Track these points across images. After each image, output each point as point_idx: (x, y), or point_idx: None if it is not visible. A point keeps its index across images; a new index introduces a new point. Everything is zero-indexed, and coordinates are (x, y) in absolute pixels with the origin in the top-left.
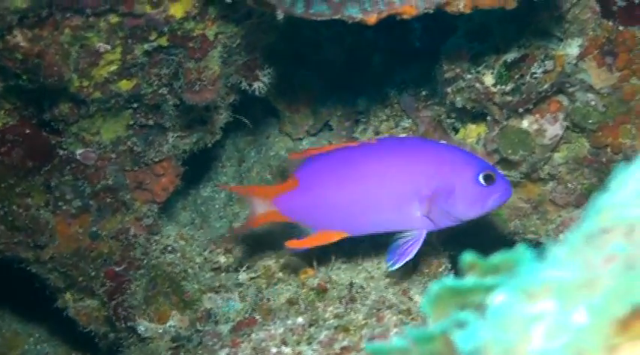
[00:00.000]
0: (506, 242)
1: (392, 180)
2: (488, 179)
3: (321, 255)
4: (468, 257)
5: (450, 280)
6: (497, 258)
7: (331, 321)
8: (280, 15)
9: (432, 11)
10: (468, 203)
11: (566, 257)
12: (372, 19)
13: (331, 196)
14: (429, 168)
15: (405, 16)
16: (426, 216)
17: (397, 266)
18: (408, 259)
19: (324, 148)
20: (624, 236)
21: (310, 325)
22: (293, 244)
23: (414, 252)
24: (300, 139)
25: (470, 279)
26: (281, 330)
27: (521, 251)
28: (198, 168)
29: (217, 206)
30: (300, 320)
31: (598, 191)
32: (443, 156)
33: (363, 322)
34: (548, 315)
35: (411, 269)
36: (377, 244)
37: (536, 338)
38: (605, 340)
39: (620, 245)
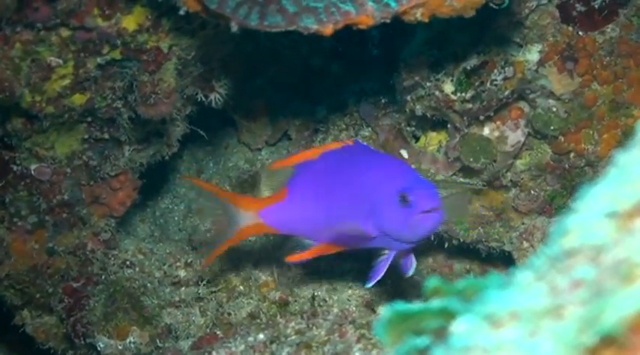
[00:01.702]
0: (470, 250)
1: (350, 196)
2: (405, 200)
3: (282, 267)
4: (432, 282)
5: (401, 304)
6: (462, 283)
7: (293, 337)
8: (235, 27)
9: (388, 21)
10: (394, 225)
11: (531, 282)
12: (328, 29)
13: (313, 208)
14: (370, 186)
15: (361, 26)
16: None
17: (371, 284)
18: (378, 278)
19: (305, 155)
20: (590, 259)
21: (272, 342)
22: (293, 258)
23: (383, 270)
24: (259, 149)
25: (427, 303)
26: (242, 348)
27: (488, 278)
28: (155, 179)
29: (176, 218)
30: (261, 336)
31: (563, 197)
32: (379, 173)
33: (325, 338)
34: (513, 344)
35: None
36: (340, 255)
37: None
38: None
39: (587, 269)
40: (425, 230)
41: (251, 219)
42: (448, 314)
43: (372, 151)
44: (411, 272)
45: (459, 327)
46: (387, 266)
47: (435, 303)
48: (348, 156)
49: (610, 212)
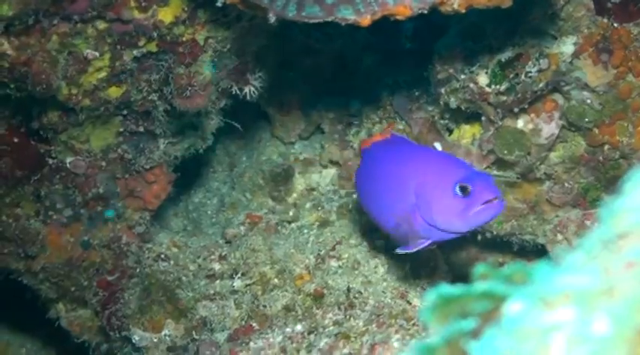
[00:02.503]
0: (503, 243)
1: (392, 186)
2: (465, 190)
3: (316, 259)
4: (480, 268)
5: (446, 287)
6: (511, 268)
7: (331, 328)
8: (272, 18)
9: (426, 11)
10: (446, 215)
11: (583, 263)
12: (365, 20)
13: (364, 187)
14: (416, 176)
15: (399, 17)
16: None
17: (401, 251)
18: (409, 250)
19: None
20: None
21: (310, 332)
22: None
23: (416, 248)
24: (292, 143)
25: (475, 286)
26: (280, 338)
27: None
28: (188, 173)
29: (209, 212)
30: (298, 327)
31: (597, 190)
32: (428, 164)
33: (363, 328)
34: (568, 324)
35: (408, 273)
36: (374, 248)
37: (555, 349)
38: (629, 350)
39: (639, 250)
40: (485, 219)
41: None
42: (495, 297)
43: (418, 145)
44: (400, 251)
45: (512, 308)
46: (422, 247)
47: (481, 286)
48: (395, 149)
49: None
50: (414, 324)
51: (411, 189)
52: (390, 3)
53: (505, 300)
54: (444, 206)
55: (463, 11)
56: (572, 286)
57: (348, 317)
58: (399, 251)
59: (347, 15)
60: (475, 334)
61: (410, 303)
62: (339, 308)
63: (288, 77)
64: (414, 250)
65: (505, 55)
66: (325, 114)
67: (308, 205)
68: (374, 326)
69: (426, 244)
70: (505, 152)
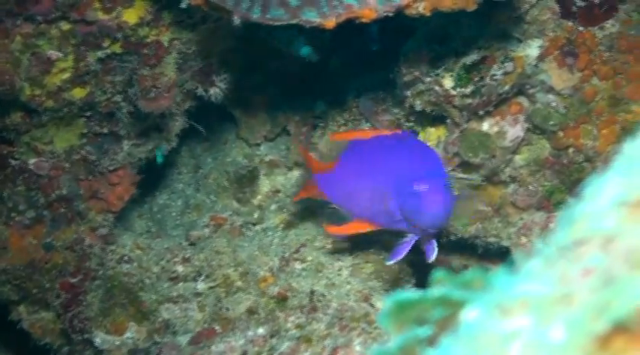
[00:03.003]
0: (467, 246)
1: (385, 177)
2: (419, 186)
3: (280, 262)
4: (438, 274)
5: (406, 292)
6: (469, 274)
7: (293, 332)
8: (237, 21)
9: (391, 14)
10: (409, 208)
11: (541, 270)
12: (330, 23)
13: (355, 184)
14: (394, 172)
15: (364, 20)
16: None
17: (391, 262)
18: (399, 258)
19: (360, 134)
20: (601, 248)
21: (271, 336)
22: (332, 230)
23: (404, 252)
24: (258, 144)
25: (431, 292)
26: (241, 342)
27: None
28: (153, 174)
29: (174, 213)
30: (260, 330)
31: (562, 193)
32: (406, 161)
33: (325, 332)
34: (525, 332)
35: (371, 276)
36: (337, 250)
37: None
38: None
39: (597, 257)
40: (430, 216)
41: (311, 178)
42: (452, 304)
43: (417, 141)
44: (432, 258)
45: (469, 315)
46: (409, 248)
47: (438, 292)
48: (394, 142)
49: (620, 201)
50: (376, 328)
51: (393, 181)
52: (355, 5)
53: (462, 307)
54: (407, 199)
55: (428, 14)
56: (530, 293)
57: (310, 320)
58: (389, 261)
59: (311, 17)
60: (431, 341)
61: (373, 306)
62: (302, 312)
63: (253, 79)
64: (402, 256)
65: (470, 58)
66: (291, 116)
67: (273, 207)
68: (336, 329)
69: (410, 244)
70: (470, 155)
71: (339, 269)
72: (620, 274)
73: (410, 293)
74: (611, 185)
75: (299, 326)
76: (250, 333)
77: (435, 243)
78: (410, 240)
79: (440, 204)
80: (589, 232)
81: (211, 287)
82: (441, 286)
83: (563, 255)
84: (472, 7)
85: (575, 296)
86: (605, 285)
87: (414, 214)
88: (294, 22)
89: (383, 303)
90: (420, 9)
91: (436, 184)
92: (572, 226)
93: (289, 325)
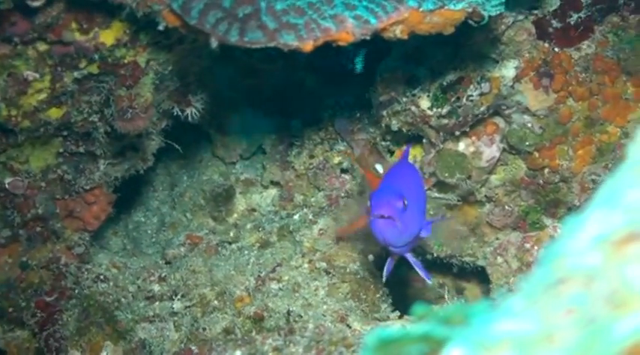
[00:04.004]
0: (443, 265)
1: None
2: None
3: (256, 281)
4: (419, 308)
5: (385, 330)
6: (449, 309)
7: (270, 354)
8: (214, 43)
9: (368, 37)
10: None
11: (523, 308)
12: (307, 46)
13: None
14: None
15: (341, 43)
16: None
17: (384, 279)
18: (386, 275)
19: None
20: (583, 286)
21: None
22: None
23: (389, 269)
24: (234, 163)
25: (414, 328)
26: None
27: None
28: (129, 192)
29: (149, 231)
30: (238, 353)
31: (537, 213)
32: (384, 180)
33: None
34: None
35: (348, 295)
36: (313, 269)
37: None
38: None
39: (579, 296)
40: (378, 235)
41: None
42: (433, 341)
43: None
44: (384, 278)
45: (453, 353)
46: (391, 266)
47: (419, 328)
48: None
49: (602, 239)
50: (353, 352)
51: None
52: (333, 29)
53: (444, 344)
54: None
55: (405, 38)
56: (512, 332)
57: (287, 342)
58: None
59: (289, 41)
60: None
61: (350, 327)
62: (279, 334)
63: (230, 97)
64: (387, 273)
65: (447, 79)
66: (267, 134)
67: (249, 226)
68: (313, 352)
69: (391, 263)
70: (446, 174)
71: (316, 289)
72: (602, 314)
73: (392, 329)
74: (592, 221)
75: (276, 349)
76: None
77: (391, 264)
78: (390, 258)
79: (385, 224)
80: (571, 271)
81: (187, 307)
82: (422, 322)
83: (546, 293)
84: (449, 30)
85: (558, 335)
86: (587, 324)
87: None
88: (271, 44)
89: (362, 323)
90: (397, 32)
91: (387, 199)
92: (553, 264)
93: (266, 347)
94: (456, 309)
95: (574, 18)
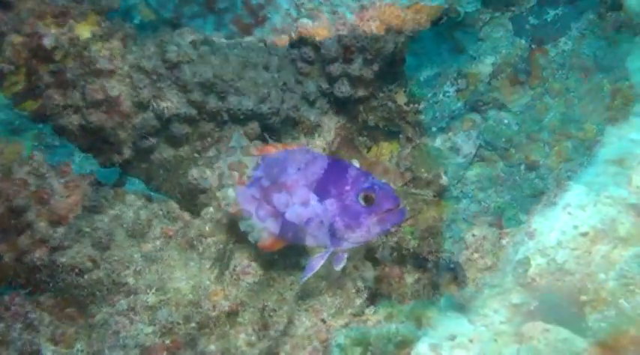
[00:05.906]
0: (418, 260)
1: (297, 192)
2: (369, 200)
3: (231, 276)
4: (389, 309)
5: (355, 329)
6: (416, 307)
7: (244, 349)
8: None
9: (345, 32)
10: (348, 223)
11: (492, 307)
12: (283, 41)
13: (267, 197)
14: (320, 183)
15: (317, 38)
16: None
17: (303, 279)
18: (311, 272)
19: (270, 148)
20: (550, 285)
21: (222, 354)
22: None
23: (317, 267)
24: (210, 157)
25: (385, 328)
26: None
27: (441, 301)
28: (104, 185)
29: (125, 225)
30: (212, 347)
31: (513, 209)
32: (332, 173)
33: (276, 350)
34: None
35: (323, 290)
36: (289, 265)
37: None
38: None
39: (547, 296)
40: (387, 227)
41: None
42: (403, 340)
43: (323, 155)
44: (340, 267)
45: (421, 350)
46: (321, 263)
47: (389, 327)
48: (305, 156)
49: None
50: (326, 347)
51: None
52: (309, 24)
53: (414, 342)
54: (350, 215)
55: (382, 33)
56: (479, 328)
57: (261, 337)
58: (303, 279)
59: (264, 35)
60: None
61: (324, 322)
62: (253, 329)
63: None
64: (316, 269)
65: (424, 75)
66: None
67: (225, 221)
68: (287, 347)
69: (324, 258)
70: (422, 170)
71: (291, 284)
72: (569, 311)
73: (364, 328)
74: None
75: (250, 344)
76: (201, 349)
77: (345, 254)
78: (323, 254)
79: (400, 210)
80: (539, 268)
81: (162, 300)
82: (392, 321)
83: (514, 289)
84: (426, 25)
85: (526, 333)
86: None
87: (363, 226)
88: (248, 39)
89: (338, 337)
90: (373, 27)
91: (388, 191)
92: (524, 262)
93: (240, 342)
94: (424, 309)
95: (551, 15)
